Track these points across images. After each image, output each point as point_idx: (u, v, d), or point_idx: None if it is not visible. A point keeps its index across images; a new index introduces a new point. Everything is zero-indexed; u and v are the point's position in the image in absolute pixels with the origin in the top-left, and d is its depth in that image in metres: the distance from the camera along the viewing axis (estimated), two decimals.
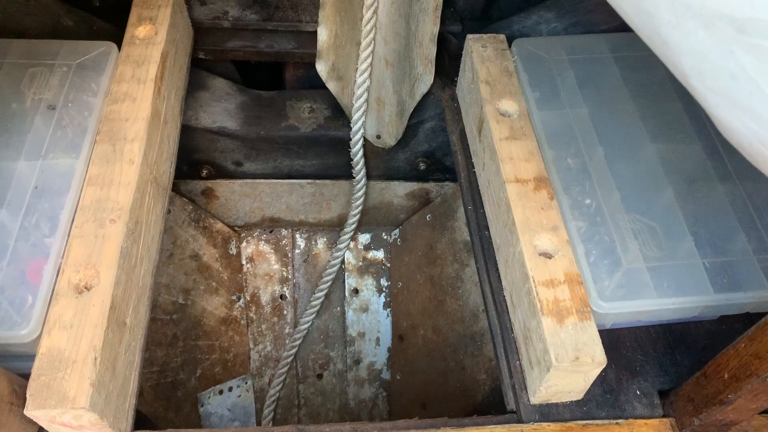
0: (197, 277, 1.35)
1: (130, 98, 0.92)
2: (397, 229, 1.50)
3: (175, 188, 1.32)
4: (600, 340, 0.76)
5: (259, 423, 1.41)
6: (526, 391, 0.84)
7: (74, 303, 0.73)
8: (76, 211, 0.81)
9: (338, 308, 1.51)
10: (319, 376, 1.49)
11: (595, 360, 0.74)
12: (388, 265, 1.52)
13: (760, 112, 0.41)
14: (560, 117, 0.96)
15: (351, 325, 1.51)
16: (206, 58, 1.24)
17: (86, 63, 0.96)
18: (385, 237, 1.52)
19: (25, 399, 0.67)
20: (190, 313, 1.33)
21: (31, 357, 0.71)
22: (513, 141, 0.93)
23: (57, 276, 0.76)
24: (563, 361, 0.74)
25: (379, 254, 1.52)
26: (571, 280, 0.80)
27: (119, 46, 1.00)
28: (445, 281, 1.39)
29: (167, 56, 1.01)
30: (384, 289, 1.52)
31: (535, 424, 0.81)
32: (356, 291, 1.51)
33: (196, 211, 1.36)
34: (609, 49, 1.04)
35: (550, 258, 0.82)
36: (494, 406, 1.25)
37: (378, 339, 1.51)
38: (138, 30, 1.00)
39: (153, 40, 1.00)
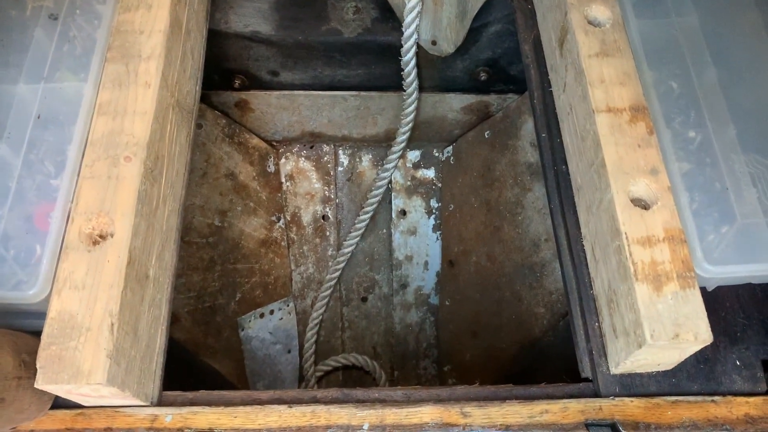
0: (233, 197, 1.25)
1: (144, 4, 0.78)
2: (451, 146, 1.35)
3: (206, 100, 1.19)
4: (705, 313, 0.63)
5: (302, 345, 1.35)
6: (606, 359, 0.72)
7: (86, 258, 0.63)
8: (85, 146, 0.69)
9: (384, 230, 1.40)
10: (364, 300, 1.41)
11: (698, 338, 0.62)
12: (440, 185, 1.38)
13: None
14: (664, 27, 0.78)
15: (398, 248, 1.40)
16: None
17: None
18: (437, 155, 1.38)
19: (35, 369, 0.59)
20: (227, 235, 1.24)
21: (41, 314, 0.63)
22: (605, 58, 0.76)
23: (66, 224, 0.66)
24: (659, 339, 0.62)
25: (430, 173, 1.38)
26: (673, 237, 0.66)
27: None
28: (503, 206, 1.26)
29: None
30: (434, 211, 1.39)
31: (616, 399, 0.70)
32: (404, 212, 1.39)
33: (230, 126, 1.23)
34: None
35: (647, 209, 0.67)
36: (553, 346, 1.16)
37: (426, 263, 1.41)
38: None
39: None
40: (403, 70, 1.11)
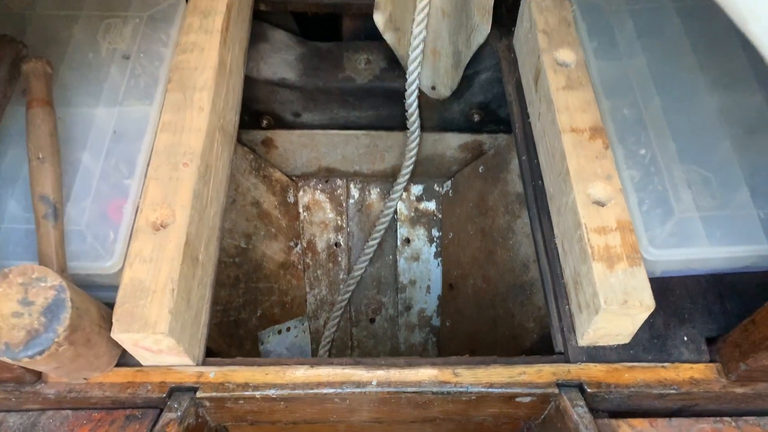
0: (258, 223, 1.42)
1: (198, 48, 0.97)
2: (450, 181, 1.53)
3: (238, 137, 1.37)
4: (649, 285, 0.78)
5: None
6: (575, 334, 0.87)
7: (152, 239, 0.80)
8: (151, 155, 0.86)
9: (390, 257, 1.55)
10: (372, 320, 1.55)
11: (643, 304, 0.77)
12: (440, 216, 1.55)
13: None
14: (618, 67, 0.96)
15: (402, 273, 1.55)
16: (267, 10, 1.27)
17: (156, 15, 1.00)
18: (437, 189, 1.55)
19: (110, 324, 0.74)
20: (251, 256, 1.40)
21: (113, 287, 0.78)
22: (570, 91, 0.94)
23: (136, 214, 0.82)
24: (612, 304, 0.76)
25: (431, 205, 1.55)
26: (623, 227, 0.82)
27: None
28: (496, 232, 1.42)
29: (232, 7, 1.05)
30: (435, 240, 1.55)
31: (582, 364, 0.84)
32: (408, 240, 1.55)
33: (257, 160, 1.42)
34: None
35: (602, 206, 0.83)
36: (542, 352, 1.29)
37: (428, 287, 1.56)
38: None
39: None
40: (406, 111, 1.29)
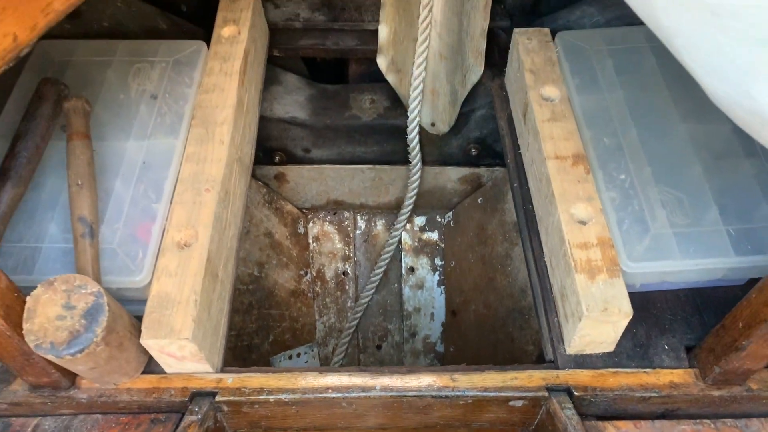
0: (270, 252, 1.50)
1: (218, 89, 1.08)
2: (451, 212, 1.61)
3: (252, 173, 1.47)
4: (627, 294, 0.85)
5: None
6: (563, 343, 0.94)
7: (177, 256, 0.89)
8: (176, 182, 0.96)
9: (395, 285, 1.63)
10: (378, 347, 1.61)
11: (621, 311, 0.84)
12: (442, 245, 1.63)
13: (733, 78, 0.51)
14: (598, 101, 1.06)
15: (407, 301, 1.63)
16: (280, 55, 1.39)
17: (181, 59, 1.12)
18: (440, 220, 1.64)
19: (139, 332, 0.82)
20: (263, 284, 1.48)
21: (141, 301, 0.87)
22: (554, 122, 1.03)
23: (162, 235, 0.91)
24: (593, 311, 0.84)
25: (434, 236, 1.63)
26: (603, 243, 0.90)
27: (207, 45, 1.15)
28: (495, 260, 1.50)
29: (249, 53, 1.16)
30: (438, 268, 1.63)
31: (570, 370, 0.91)
32: (412, 269, 1.63)
33: (270, 194, 1.51)
34: (646, 39, 1.13)
35: (584, 224, 0.92)
36: None
37: (432, 314, 1.63)
38: (224, 30, 1.16)
39: (237, 39, 1.15)
40: (409, 146, 1.39)
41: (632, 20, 1.23)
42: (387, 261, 1.58)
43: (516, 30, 1.16)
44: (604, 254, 0.89)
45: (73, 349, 0.72)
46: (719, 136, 1.00)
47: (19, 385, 0.88)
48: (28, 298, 0.74)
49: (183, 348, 0.84)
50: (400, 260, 1.63)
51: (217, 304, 0.93)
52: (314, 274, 1.60)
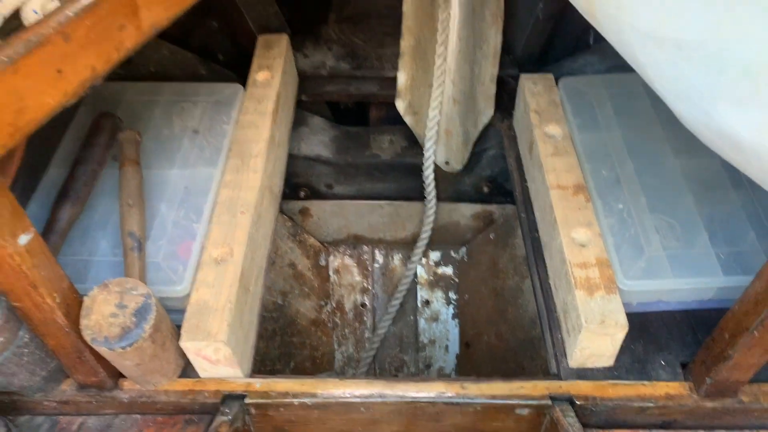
0: (293, 282, 1.60)
1: (253, 126, 1.20)
2: (464, 248, 1.70)
3: (279, 208, 1.58)
4: (623, 309, 0.93)
5: None
6: (566, 357, 1.01)
7: (215, 270, 0.98)
8: (215, 206, 1.07)
9: (411, 317, 1.71)
10: (395, 378, 1.68)
11: (618, 324, 0.92)
12: (456, 280, 1.71)
13: (697, 102, 0.61)
14: (597, 138, 1.16)
15: (423, 333, 1.70)
16: (307, 99, 1.51)
17: (220, 99, 1.24)
18: (454, 255, 1.72)
19: (179, 336, 0.92)
20: (286, 312, 1.57)
21: (179, 311, 0.96)
22: (557, 157, 1.13)
23: (201, 251, 1.01)
24: (591, 323, 0.92)
25: (448, 270, 1.72)
26: (601, 263, 0.98)
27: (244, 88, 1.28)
28: (506, 292, 1.57)
29: (280, 95, 1.29)
30: (452, 302, 1.71)
31: (572, 381, 0.98)
32: (427, 302, 1.71)
33: (294, 227, 1.62)
34: (642, 84, 1.23)
35: (584, 246, 1.01)
36: None
37: (447, 347, 1.70)
38: (259, 75, 1.29)
39: (270, 83, 1.28)
40: (424, 183, 1.49)
41: (630, 69, 1.35)
42: (403, 294, 1.66)
43: (523, 75, 1.28)
44: (602, 273, 0.97)
45: (124, 343, 0.81)
46: (709, 169, 1.09)
47: (68, 385, 0.97)
48: (85, 298, 0.84)
49: (218, 351, 0.93)
50: (416, 293, 1.71)
51: (248, 316, 1.03)
52: (334, 305, 1.68)
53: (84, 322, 0.82)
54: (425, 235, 1.59)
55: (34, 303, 0.79)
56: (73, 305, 0.84)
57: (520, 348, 1.52)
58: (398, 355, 1.70)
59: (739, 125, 0.58)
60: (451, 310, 1.71)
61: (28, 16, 0.70)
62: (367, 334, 1.69)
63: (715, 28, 0.57)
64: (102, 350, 0.82)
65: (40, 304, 0.79)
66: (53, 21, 0.67)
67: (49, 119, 0.70)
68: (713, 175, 1.08)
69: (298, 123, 1.50)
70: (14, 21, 0.71)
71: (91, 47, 0.71)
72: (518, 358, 1.51)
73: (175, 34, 1.42)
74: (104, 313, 0.83)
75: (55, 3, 0.72)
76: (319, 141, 1.51)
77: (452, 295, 1.71)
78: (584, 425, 0.96)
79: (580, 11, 0.72)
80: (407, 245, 1.71)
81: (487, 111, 1.37)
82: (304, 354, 1.60)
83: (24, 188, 1.08)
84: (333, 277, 1.70)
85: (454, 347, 1.69)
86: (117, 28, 0.73)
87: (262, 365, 1.50)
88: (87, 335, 0.82)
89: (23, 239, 0.73)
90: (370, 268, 1.71)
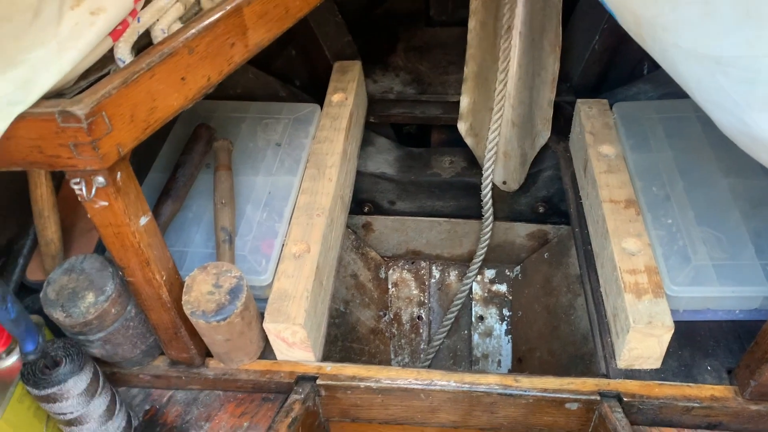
0: (355, 292, 1.70)
1: (329, 140, 1.32)
2: (519, 267, 1.78)
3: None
4: (669, 312, 1.00)
5: None
6: (614, 359, 1.08)
7: (294, 263, 1.10)
8: (294, 209, 1.19)
9: (465, 332, 1.78)
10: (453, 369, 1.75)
11: (664, 325, 0.98)
12: (510, 298, 1.79)
13: (734, 111, 0.70)
14: (649, 159, 1.23)
15: (476, 347, 1.77)
16: (375, 121, 1.64)
17: (300, 117, 1.38)
18: (508, 273, 1.80)
19: (261, 320, 1.03)
20: (347, 320, 1.67)
21: (261, 300, 1.08)
22: (609, 174, 1.21)
23: (282, 247, 1.13)
24: (639, 323, 0.99)
25: (503, 288, 1.79)
26: (650, 270, 1.05)
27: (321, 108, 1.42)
28: (559, 309, 1.64)
29: (353, 115, 1.42)
30: (506, 318, 1.78)
31: (620, 380, 1.05)
32: (481, 318, 1.78)
33: (357, 240, 1.73)
34: (693, 109, 1.31)
35: (633, 255, 1.08)
36: None
37: (499, 361, 1.76)
38: (334, 96, 1.42)
39: (344, 103, 1.41)
40: (482, 201, 1.59)
41: (682, 96, 1.42)
42: (458, 308, 1.74)
43: (579, 100, 1.37)
44: (650, 279, 1.04)
45: (219, 317, 0.93)
46: (756, 187, 1.15)
47: (161, 361, 1.10)
48: (187, 278, 0.97)
49: (295, 334, 1.03)
50: (470, 309, 1.79)
51: (321, 307, 1.13)
52: (392, 316, 1.78)
53: (185, 298, 0.95)
54: (481, 253, 1.67)
55: (145, 278, 0.92)
56: (175, 284, 0.97)
57: (572, 364, 1.57)
58: (452, 368, 1.77)
59: None
60: (504, 326, 1.77)
61: (158, 35, 0.84)
62: (422, 346, 1.77)
63: (748, 46, 0.66)
64: (199, 323, 0.94)
65: (150, 280, 0.92)
66: (181, 36, 0.81)
67: (168, 120, 0.84)
68: (761, 194, 1.14)
69: (365, 143, 1.62)
70: (144, 39, 0.86)
71: (208, 59, 0.84)
72: (569, 374, 1.56)
73: (259, 59, 1.57)
74: (202, 291, 0.95)
75: (178, 24, 0.86)
76: (384, 159, 1.63)
77: (506, 312, 1.78)
78: (632, 423, 1.02)
79: (629, 33, 0.81)
80: (463, 262, 1.79)
81: (544, 133, 1.46)
82: (362, 360, 1.69)
83: None
84: (392, 289, 1.79)
85: (507, 362, 1.75)
86: (229, 45, 0.86)
87: None
88: (187, 309, 0.94)
89: (143, 220, 0.86)
90: (426, 283, 1.80)
